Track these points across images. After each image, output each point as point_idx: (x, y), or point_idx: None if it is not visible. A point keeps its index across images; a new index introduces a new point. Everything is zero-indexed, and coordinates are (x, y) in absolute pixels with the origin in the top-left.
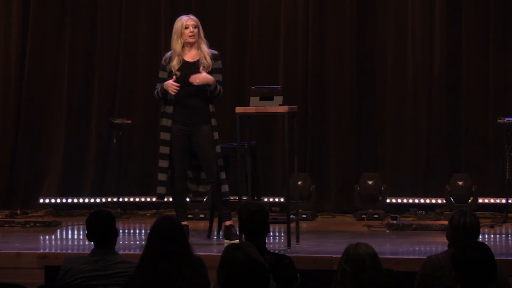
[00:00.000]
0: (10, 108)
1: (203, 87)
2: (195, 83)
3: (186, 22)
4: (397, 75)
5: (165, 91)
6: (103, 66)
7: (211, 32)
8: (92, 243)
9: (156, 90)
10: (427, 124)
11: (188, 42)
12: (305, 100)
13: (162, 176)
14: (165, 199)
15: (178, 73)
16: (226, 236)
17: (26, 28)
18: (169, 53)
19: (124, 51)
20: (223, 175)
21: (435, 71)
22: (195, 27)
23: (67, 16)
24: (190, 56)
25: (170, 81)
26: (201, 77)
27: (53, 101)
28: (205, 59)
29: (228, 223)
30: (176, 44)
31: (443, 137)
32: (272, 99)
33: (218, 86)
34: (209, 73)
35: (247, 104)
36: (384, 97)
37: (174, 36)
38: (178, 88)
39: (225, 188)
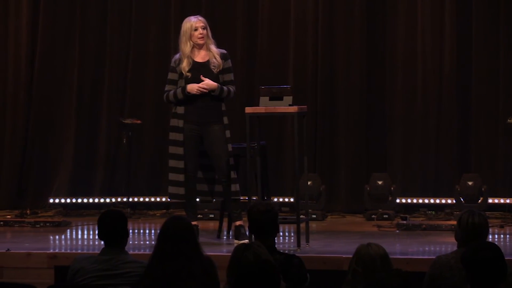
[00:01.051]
0: (20, 108)
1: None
2: (201, 92)
3: (195, 24)
4: (406, 74)
5: (188, 93)
6: (113, 67)
7: (221, 32)
8: (102, 242)
9: (167, 93)
10: (437, 124)
11: (198, 43)
12: (315, 100)
13: (179, 177)
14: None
15: (189, 74)
16: (236, 236)
17: (36, 29)
18: (178, 55)
19: (134, 51)
20: (234, 174)
21: (445, 70)
22: (204, 28)
23: (77, 17)
24: (200, 56)
25: (197, 85)
26: (208, 85)
27: (63, 101)
28: (215, 59)
29: (238, 223)
30: (185, 46)
31: (453, 137)
32: (281, 99)
33: (225, 88)
34: (220, 72)
35: (256, 104)
36: (394, 97)
37: (183, 38)
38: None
39: (236, 187)
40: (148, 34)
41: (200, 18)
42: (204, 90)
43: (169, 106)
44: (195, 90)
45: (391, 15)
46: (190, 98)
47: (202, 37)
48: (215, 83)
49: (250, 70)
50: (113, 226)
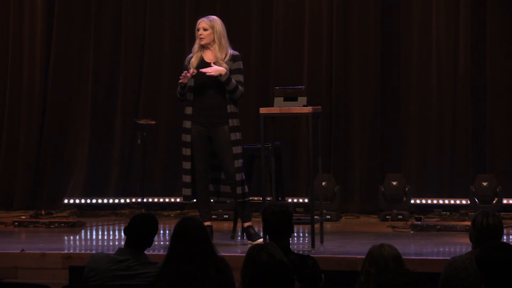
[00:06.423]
0: (35, 108)
1: (222, 87)
2: (208, 74)
3: (198, 25)
4: (421, 76)
5: (183, 86)
6: (128, 67)
7: (236, 33)
8: (122, 242)
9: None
10: (452, 125)
11: (200, 43)
12: (329, 100)
13: (186, 178)
14: (193, 200)
15: (195, 71)
16: (248, 237)
17: (51, 28)
18: (191, 54)
19: (149, 51)
20: (240, 177)
21: (460, 72)
22: (205, 30)
23: (92, 16)
24: (208, 56)
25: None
26: (213, 69)
27: (77, 101)
28: (220, 63)
29: (246, 224)
30: (195, 44)
31: (467, 138)
32: (296, 99)
33: (233, 81)
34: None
35: (271, 104)
36: (409, 97)
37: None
38: (187, 76)
39: (242, 189)
40: (162, 35)
41: (205, 19)
42: (185, 77)
43: (183, 106)
44: (182, 78)
45: (406, 14)
46: (196, 96)
47: (202, 38)
48: (223, 68)
49: (264, 71)
50: (143, 228)
